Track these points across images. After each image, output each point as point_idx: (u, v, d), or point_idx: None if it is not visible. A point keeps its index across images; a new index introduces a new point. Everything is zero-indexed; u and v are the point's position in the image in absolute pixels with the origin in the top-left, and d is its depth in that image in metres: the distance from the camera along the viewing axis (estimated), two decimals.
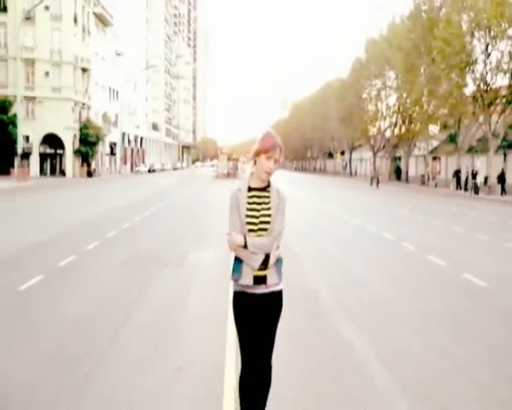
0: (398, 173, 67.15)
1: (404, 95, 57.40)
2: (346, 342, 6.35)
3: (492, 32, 39.66)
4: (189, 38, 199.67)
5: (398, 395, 4.94)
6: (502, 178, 40.40)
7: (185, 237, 15.12)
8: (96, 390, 4.93)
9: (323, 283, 9.63)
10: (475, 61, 41.69)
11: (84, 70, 63.38)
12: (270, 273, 3.64)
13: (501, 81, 41.80)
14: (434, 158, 58.64)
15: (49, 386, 5.00)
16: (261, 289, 3.64)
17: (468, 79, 42.89)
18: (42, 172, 59.64)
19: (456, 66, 40.71)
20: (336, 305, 8.05)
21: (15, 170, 48.50)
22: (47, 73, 59.11)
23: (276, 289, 3.72)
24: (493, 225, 20.89)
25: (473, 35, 41.28)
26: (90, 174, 62.01)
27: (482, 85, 41.40)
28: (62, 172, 60.59)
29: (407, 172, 62.70)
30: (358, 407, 4.69)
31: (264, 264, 3.58)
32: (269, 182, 3.73)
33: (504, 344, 6.55)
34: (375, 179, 52.43)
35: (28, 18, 54.22)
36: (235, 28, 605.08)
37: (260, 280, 3.61)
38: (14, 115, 50.60)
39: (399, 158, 67.43)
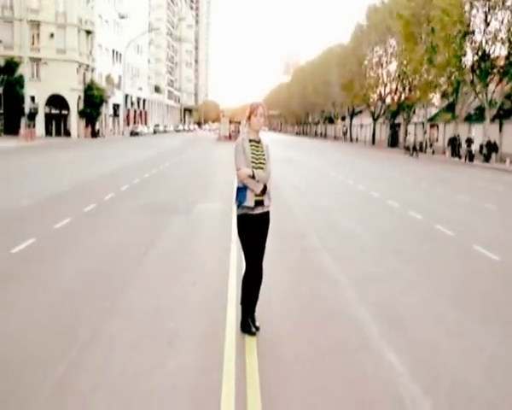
0: (393, 140, 68.31)
1: (405, 62, 58.19)
2: (324, 269, 7.95)
3: (491, 2, 40.47)
4: (192, 1, 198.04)
5: (361, 303, 6.52)
6: (493, 147, 41.62)
7: (191, 191, 16.66)
8: (131, 294, 6.55)
9: (312, 227, 11.19)
10: (473, 32, 42.55)
11: (88, 32, 64.10)
12: (265, 198, 5.28)
13: (499, 51, 42.77)
14: (432, 125, 59.75)
15: (91, 296, 6.59)
16: (258, 211, 5.26)
17: (467, 48, 43.80)
18: (47, 132, 60.77)
19: (454, 35, 41.61)
20: (320, 243, 9.66)
21: (22, 130, 49.71)
22: (52, 35, 59.79)
23: (268, 209, 5.38)
24: (478, 188, 22.39)
25: (471, 5, 42.05)
26: (94, 135, 63.26)
27: (480, 54, 42.33)
28: (67, 133, 61.72)
29: (405, 139, 63.84)
30: (329, 309, 6.29)
31: (263, 190, 5.22)
32: (260, 138, 5.40)
33: (453, 273, 8.14)
34: (410, 149, 48.68)
35: None
36: None
37: (259, 203, 5.24)
38: (20, 76, 51.64)
39: (398, 125, 68.48)
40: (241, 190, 5.22)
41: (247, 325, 5.36)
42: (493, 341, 5.49)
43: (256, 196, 5.20)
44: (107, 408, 3.95)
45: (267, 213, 5.38)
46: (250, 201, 5.19)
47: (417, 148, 49.34)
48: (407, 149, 50.65)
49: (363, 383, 4.48)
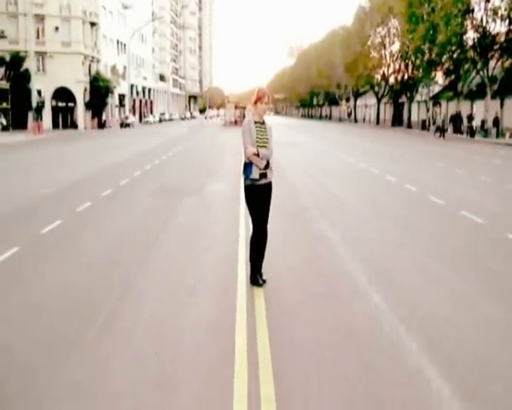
0: (396, 119, 68.97)
1: (407, 42, 58.63)
2: (322, 234, 8.95)
3: None
4: None
5: (354, 260, 7.50)
6: (494, 122, 42.23)
7: (200, 174, 17.68)
8: (154, 260, 7.58)
9: (313, 201, 12.16)
10: (473, 10, 43.07)
11: (92, 24, 64.83)
12: (268, 172, 6.21)
13: (499, 28, 43.25)
14: (435, 103, 60.29)
15: (118, 263, 7.61)
16: (262, 181, 6.19)
17: (467, 26, 44.27)
18: (54, 125, 61.71)
19: (454, 14, 42.12)
20: (320, 214, 10.66)
21: (30, 124, 50.74)
22: (57, 28, 60.56)
23: (271, 180, 6.31)
24: (476, 162, 23.21)
25: None
26: (101, 126, 64.19)
27: (480, 32, 42.83)
28: (74, 125, 62.62)
29: (409, 118, 64.47)
30: (325, 265, 7.28)
31: (267, 165, 6.15)
32: (264, 120, 6.26)
33: (439, 234, 9.10)
34: (439, 130, 44.60)
35: None
36: None
37: (263, 175, 6.17)
38: (26, 70, 52.68)
39: (402, 104, 69.04)
40: (248, 165, 6.15)
41: (256, 278, 6.34)
42: (465, 284, 6.47)
43: (260, 170, 6.12)
44: (145, 339, 4.94)
45: (270, 184, 6.30)
46: (255, 174, 6.12)
47: (446, 128, 45.28)
48: (437, 129, 46.00)
49: (351, 316, 5.47)
